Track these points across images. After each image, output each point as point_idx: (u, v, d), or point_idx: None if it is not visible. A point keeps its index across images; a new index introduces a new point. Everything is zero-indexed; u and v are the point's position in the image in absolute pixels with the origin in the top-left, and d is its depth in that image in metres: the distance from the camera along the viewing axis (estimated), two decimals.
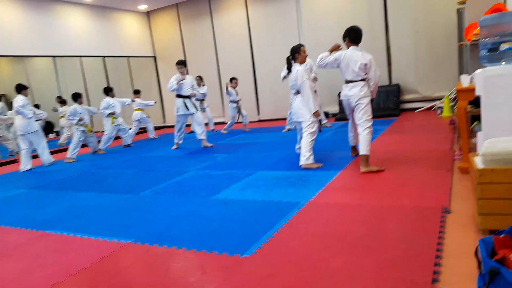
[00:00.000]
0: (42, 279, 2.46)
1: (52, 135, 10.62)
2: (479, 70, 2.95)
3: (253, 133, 8.06)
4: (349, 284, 1.96)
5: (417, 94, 8.38)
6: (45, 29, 8.81)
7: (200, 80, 8.87)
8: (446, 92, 7.72)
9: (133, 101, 8.68)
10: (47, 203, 4.37)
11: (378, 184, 3.57)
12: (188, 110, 6.82)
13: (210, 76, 10.53)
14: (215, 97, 10.76)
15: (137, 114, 8.90)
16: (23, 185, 5.54)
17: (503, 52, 2.92)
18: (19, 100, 6.44)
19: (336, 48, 4.18)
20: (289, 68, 4.65)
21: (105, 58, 10.55)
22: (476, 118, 4.32)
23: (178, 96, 6.81)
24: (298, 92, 4.53)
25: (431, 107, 8.05)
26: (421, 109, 8.22)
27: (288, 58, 4.70)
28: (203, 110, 8.73)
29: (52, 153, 7.16)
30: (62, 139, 9.34)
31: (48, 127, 10.50)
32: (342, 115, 8.19)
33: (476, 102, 3.83)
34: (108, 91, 7.97)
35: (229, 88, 8.31)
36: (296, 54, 4.49)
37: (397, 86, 8.34)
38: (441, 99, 7.72)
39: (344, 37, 4.10)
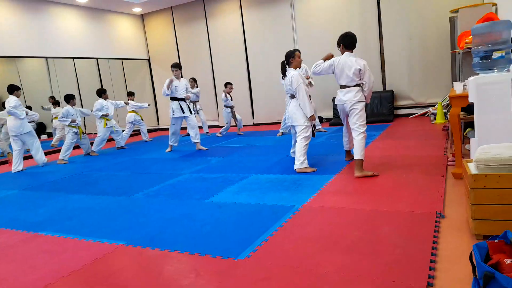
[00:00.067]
0: (33, 281, 2.43)
1: (44, 137, 10.53)
2: (472, 78, 2.99)
3: (247, 137, 8.06)
4: None
5: (411, 100, 8.46)
6: (38, 30, 8.74)
7: (194, 82, 8.87)
8: (439, 98, 7.81)
9: (126, 103, 8.65)
10: (39, 204, 4.32)
11: (373, 188, 3.58)
12: (183, 113, 6.80)
13: (205, 79, 10.53)
14: (209, 100, 10.76)
15: (130, 116, 8.87)
16: (15, 186, 5.47)
17: (495, 60, 2.97)
18: (11, 101, 6.38)
19: (329, 57, 4.23)
20: (284, 73, 4.67)
21: (99, 60, 10.50)
22: (469, 124, 4.37)
23: (173, 98, 6.80)
24: (293, 97, 4.55)
25: (425, 113, 8.13)
26: (414, 115, 8.29)
27: (283, 63, 4.72)
28: (196, 112, 8.72)
29: (44, 154, 7.09)
30: (54, 140, 9.26)
31: (40, 129, 10.41)
32: (336, 120, 8.24)
33: (469, 109, 3.88)
34: (101, 93, 7.92)
35: (223, 93, 8.32)
36: (291, 59, 4.51)
37: (391, 92, 8.42)
38: (434, 105, 7.80)
39: (339, 43, 4.14)
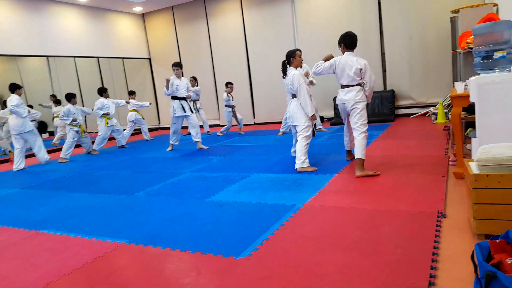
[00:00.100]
0: (35, 279, 2.43)
1: (45, 135, 10.53)
2: (473, 78, 2.99)
3: (248, 136, 8.06)
4: (344, 287, 1.97)
5: (412, 100, 8.46)
6: (39, 28, 8.74)
7: (194, 80, 8.88)
8: (439, 98, 7.80)
9: (127, 102, 8.66)
10: (40, 203, 4.33)
11: (374, 188, 3.59)
12: (185, 112, 6.81)
13: (205, 78, 10.53)
14: (210, 100, 10.76)
15: (131, 115, 8.87)
16: (16, 185, 5.48)
17: (497, 60, 2.97)
18: (13, 100, 6.38)
19: (329, 58, 4.24)
20: (284, 72, 4.68)
21: (100, 59, 10.50)
22: (470, 124, 4.37)
23: (174, 97, 6.80)
24: (294, 96, 4.56)
25: (426, 113, 8.12)
26: (415, 115, 8.29)
27: (283, 62, 4.73)
28: (196, 111, 8.72)
29: (47, 152, 7.09)
30: (56, 139, 9.27)
31: (41, 127, 10.41)
32: (337, 120, 8.24)
33: (470, 108, 3.88)
34: (102, 92, 7.93)
35: (225, 93, 8.32)
36: (291, 58, 4.52)
37: (392, 92, 8.41)
38: (435, 105, 7.79)
39: (339, 42, 4.15)
